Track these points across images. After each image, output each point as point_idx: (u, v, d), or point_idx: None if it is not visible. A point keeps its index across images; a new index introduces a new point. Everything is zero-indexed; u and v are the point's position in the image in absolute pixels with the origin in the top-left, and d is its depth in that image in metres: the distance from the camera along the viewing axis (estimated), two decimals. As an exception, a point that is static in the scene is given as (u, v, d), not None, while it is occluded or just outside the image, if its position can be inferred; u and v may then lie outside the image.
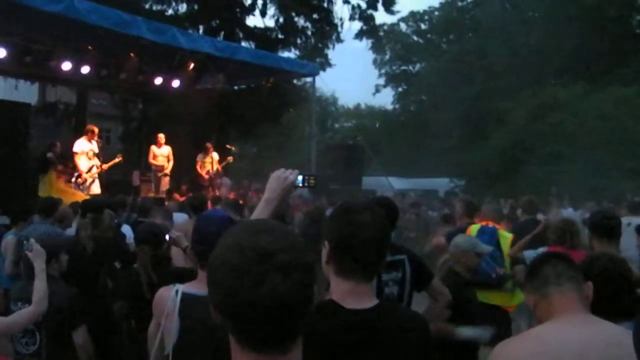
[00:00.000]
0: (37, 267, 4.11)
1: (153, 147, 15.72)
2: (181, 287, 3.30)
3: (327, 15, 26.43)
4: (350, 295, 2.20)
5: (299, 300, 1.41)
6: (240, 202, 10.47)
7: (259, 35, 24.52)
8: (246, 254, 1.39)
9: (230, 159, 16.63)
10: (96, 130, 13.79)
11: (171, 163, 15.68)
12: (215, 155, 16.32)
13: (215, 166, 16.18)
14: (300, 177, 2.54)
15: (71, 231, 7.14)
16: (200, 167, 16.02)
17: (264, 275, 1.37)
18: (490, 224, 7.20)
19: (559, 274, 2.55)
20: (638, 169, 22.25)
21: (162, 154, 15.59)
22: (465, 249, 5.20)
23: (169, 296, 3.37)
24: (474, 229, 6.91)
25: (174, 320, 3.26)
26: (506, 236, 7.09)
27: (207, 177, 15.96)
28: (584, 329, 2.40)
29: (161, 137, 15.63)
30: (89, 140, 13.51)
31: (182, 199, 14.30)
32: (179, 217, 9.12)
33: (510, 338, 2.54)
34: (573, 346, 2.33)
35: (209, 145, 16.29)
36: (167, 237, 4.97)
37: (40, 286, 4.05)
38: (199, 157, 16.04)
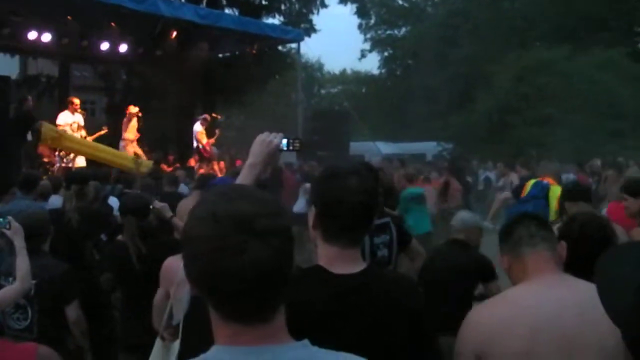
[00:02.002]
0: (18, 244, 4.05)
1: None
2: None
3: (311, -19, 26.22)
4: (337, 260, 2.16)
5: (280, 267, 1.37)
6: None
7: (243, 2, 24.24)
8: (223, 223, 1.34)
9: (217, 132, 16.39)
10: (77, 102, 13.62)
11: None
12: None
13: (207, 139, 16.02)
14: (285, 141, 2.47)
15: (51, 204, 7.06)
16: (200, 137, 15.81)
17: (243, 243, 1.32)
18: (546, 180, 7.76)
19: (533, 234, 2.54)
20: (621, 131, 22.37)
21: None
22: (470, 224, 5.33)
23: (179, 265, 3.34)
24: (530, 182, 7.79)
25: (185, 289, 3.25)
26: (555, 190, 7.28)
27: (208, 147, 15.79)
28: (559, 290, 2.40)
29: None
30: (72, 113, 13.38)
31: (170, 169, 14.26)
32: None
33: (485, 301, 2.52)
34: (547, 308, 2.32)
35: (206, 116, 16.09)
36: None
37: (22, 263, 4.00)
38: (198, 127, 15.80)
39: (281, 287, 1.39)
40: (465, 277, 5.01)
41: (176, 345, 3.36)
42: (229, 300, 1.37)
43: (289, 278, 1.41)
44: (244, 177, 2.38)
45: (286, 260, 1.39)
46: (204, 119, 15.93)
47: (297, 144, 2.52)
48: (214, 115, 18.28)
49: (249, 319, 1.38)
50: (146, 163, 13.82)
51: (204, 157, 15.68)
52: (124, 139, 14.93)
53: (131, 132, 15.06)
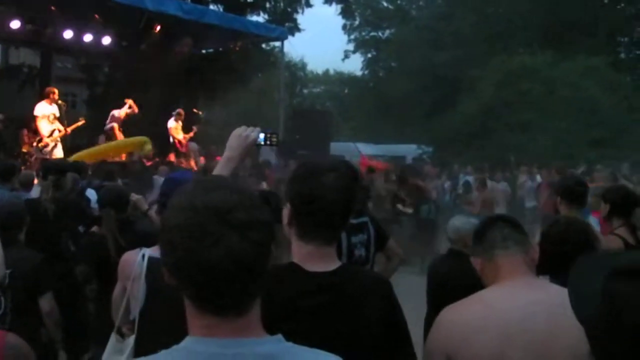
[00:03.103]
0: None
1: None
2: (148, 251, 3.30)
3: (296, -21, 26.23)
4: (311, 257, 2.15)
5: (257, 260, 1.36)
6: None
7: (228, -2, 24.23)
8: (200, 213, 1.34)
9: (195, 129, 16.30)
10: (56, 92, 13.49)
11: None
12: (180, 123, 16.07)
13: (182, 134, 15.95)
14: (262, 135, 2.47)
15: (32, 195, 7.04)
16: (175, 133, 15.75)
17: (220, 235, 1.32)
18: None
19: (505, 237, 2.54)
20: (602, 139, 22.53)
21: None
22: (464, 234, 4.85)
23: (135, 260, 3.35)
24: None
25: (140, 285, 3.24)
26: None
27: (184, 142, 15.74)
28: (529, 292, 2.41)
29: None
30: (50, 103, 13.27)
31: (149, 163, 14.22)
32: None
33: (455, 302, 2.53)
34: (517, 312, 2.33)
35: (180, 111, 16.01)
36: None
37: None
38: (171, 122, 15.74)
39: (257, 280, 1.39)
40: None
41: (131, 340, 3.34)
42: (204, 292, 1.36)
43: (266, 272, 1.41)
44: (220, 170, 2.38)
45: (263, 254, 1.38)
46: (178, 114, 15.85)
47: (275, 139, 2.52)
48: (194, 110, 18.23)
49: (224, 311, 1.38)
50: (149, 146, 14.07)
51: (180, 152, 15.62)
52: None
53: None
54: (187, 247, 1.33)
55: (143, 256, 3.31)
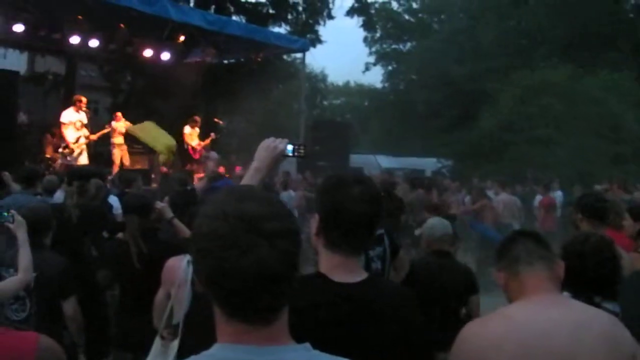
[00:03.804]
0: (21, 237, 4.11)
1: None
2: None
3: (318, -8, 26.33)
4: (338, 268, 2.18)
5: (286, 269, 1.39)
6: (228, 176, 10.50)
7: (250, 10, 24.38)
8: (231, 222, 1.37)
9: (212, 135, 16.26)
10: (84, 100, 13.62)
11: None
12: (197, 131, 16.10)
13: (197, 141, 15.97)
14: (290, 147, 2.50)
15: (56, 199, 7.14)
16: (189, 139, 15.84)
17: (251, 244, 1.35)
18: None
19: (530, 252, 2.52)
20: (623, 155, 22.29)
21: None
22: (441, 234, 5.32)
23: (180, 266, 3.42)
24: None
25: (186, 290, 3.29)
26: None
27: (198, 148, 15.78)
28: (553, 310, 2.38)
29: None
30: (77, 111, 13.40)
31: (167, 171, 14.34)
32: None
33: (478, 318, 2.52)
34: (538, 327, 2.30)
35: (196, 118, 16.01)
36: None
37: (24, 256, 4.06)
38: (186, 129, 15.81)
39: (286, 289, 1.42)
40: (456, 296, 5.13)
41: (175, 344, 3.40)
42: (234, 299, 1.39)
43: (294, 281, 1.44)
44: (249, 181, 2.40)
45: (292, 263, 1.41)
46: (193, 120, 15.86)
47: (302, 151, 2.55)
48: (215, 120, 18.31)
49: (252, 319, 1.40)
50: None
51: (192, 159, 15.65)
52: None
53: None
54: (217, 255, 1.36)
55: (188, 262, 3.37)
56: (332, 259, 2.21)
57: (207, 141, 15.91)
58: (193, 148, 15.69)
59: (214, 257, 1.36)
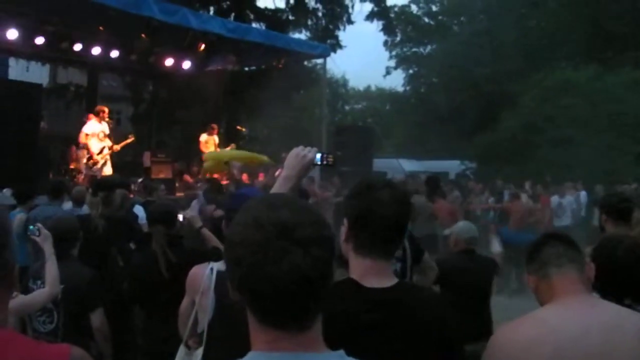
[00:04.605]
0: (47, 250, 4.14)
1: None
2: (216, 265, 3.38)
3: (337, -3, 26.34)
4: (369, 273, 2.19)
5: (320, 276, 1.39)
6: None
7: (270, 17, 24.43)
8: (266, 230, 1.37)
9: (233, 145, 16.37)
10: (106, 110, 13.70)
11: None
12: (216, 138, 16.12)
13: (215, 149, 15.95)
14: (318, 155, 2.53)
15: (85, 210, 7.18)
16: (204, 147, 15.88)
17: (285, 251, 1.35)
18: None
19: (560, 254, 2.52)
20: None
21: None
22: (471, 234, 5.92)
23: (204, 274, 3.44)
24: None
25: (209, 297, 3.32)
26: None
27: None
28: (585, 312, 2.38)
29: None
30: (100, 122, 13.48)
31: (192, 180, 14.36)
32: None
33: (509, 322, 2.51)
34: (572, 329, 2.30)
35: (213, 125, 16.10)
36: (180, 217, 5.00)
37: (51, 268, 4.08)
38: (203, 136, 15.85)
39: (320, 295, 1.42)
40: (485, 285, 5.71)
41: (200, 352, 3.41)
42: (268, 307, 1.40)
43: (328, 287, 1.44)
44: (279, 189, 2.43)
45: (326, 269, 1.41)
46: (210, 128, 15.94)
47: (331, 159, 2.58)
48: (237, 127, 18.37)
49: (286, 326, 1.41)
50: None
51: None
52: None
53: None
54: (251, 262, 1.36)
55: (212, 270, 3.40)
56: (363, 264, 2.21)
57: (228, 149, 15.95)
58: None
59: (248, 265, 1.37)
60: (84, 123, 13.49)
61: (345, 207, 2.29)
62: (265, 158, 14.94)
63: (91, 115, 13.67)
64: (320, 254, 1.39)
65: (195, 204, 6.32)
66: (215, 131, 16.06)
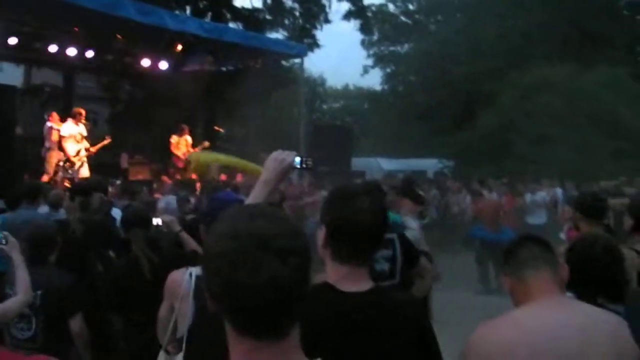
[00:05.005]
0: (15, 258, 4.08)
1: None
2: (194, 270, 3.34)
3: (315, -4, 26.35)
4: (346, 278, 2.20)
5: (297, 286, 1.39)
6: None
7: (247, 16, 24.33)
8: (243, 241, 1.37)
9: (206, 144, 16.20)
10: (83, 112, 13.61)
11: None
12: (188, 139, 16.05)
13: (188, 149, 15.89)
14: (297, 159, 2.54)
15: (62, 214, 7.11)
16: (175, 148, 15.80)
17: (262, 261, 1.35)
18: None
19: (536, 256, 2.55)
20: (624, 151, 22.31)
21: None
22: None
23: (183, 279, 3.41)
24: None
25: (189, 303, 3.29)
26: None
27: (184, 158, 15.69)
28: (559, 312, 2.41)
29: None
30: (76, 123, 13.38)
31: (170, 181, 14.30)
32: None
33: (485, 322, 2.53)
34: (547, 330, 2.33)
35: (184, 126, 16.06)
36: (157, 220, 4.99)
37: (22, 276, 4.03)
38: (173, 138, 15.79)
39: (297, 305, 1.42)
40: None
41: (179, 358, 3.39)
42: (246, 316, 1.39)
43: (305, 296, 1.44)
44: (258, 193, 2.44)
45: (303, 279, 1.41)
46: (180, 129, 15.89)
47: (310, 162, 2.59)
48: (215, 128, 18.30)
49: (264, 336, 1.40)
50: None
51: (177, 168, 15.62)
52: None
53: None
54: (228, 273, 1.35)
55: (190, 275, 3.38)
56: (340, 270, 2.22)
57: (198, 149, 15.82)
58: (177, 157, 15.64)
59: (225, 275, 1.36)
60: (45, 122, 13.44)
61: (323, 214, 2.29)
62: (260, 169, 14.68)
63: (54, 115, 13.63)
64: (298, 264, 1.38)
65: (163, 204, 6.33)
66: (186, 132, 15.97)
